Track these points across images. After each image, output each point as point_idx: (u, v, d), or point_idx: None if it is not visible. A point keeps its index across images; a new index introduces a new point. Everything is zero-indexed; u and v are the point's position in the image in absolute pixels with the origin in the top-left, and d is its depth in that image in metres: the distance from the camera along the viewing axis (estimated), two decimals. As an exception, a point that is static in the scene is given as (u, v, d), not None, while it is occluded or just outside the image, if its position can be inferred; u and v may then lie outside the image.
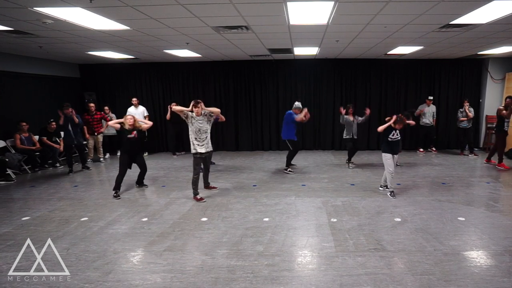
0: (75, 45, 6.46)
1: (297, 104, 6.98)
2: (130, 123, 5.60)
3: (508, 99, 7.03)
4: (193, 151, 5.25)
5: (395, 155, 5.31)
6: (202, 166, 5.64)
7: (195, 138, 5.22)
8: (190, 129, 5.23)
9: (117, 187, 5.66)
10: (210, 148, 5.40)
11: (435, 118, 8.99)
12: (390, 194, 5.40)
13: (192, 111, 5.20)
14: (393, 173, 5.33)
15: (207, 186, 5.96)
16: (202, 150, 5.25)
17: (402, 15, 4.56)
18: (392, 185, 5.41)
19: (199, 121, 5.20)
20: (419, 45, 7.02)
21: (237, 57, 8.76)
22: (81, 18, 4.48)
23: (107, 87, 9.88)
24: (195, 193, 5.43)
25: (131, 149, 5.68)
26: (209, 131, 5.34)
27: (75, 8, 4.01)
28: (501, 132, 7.13)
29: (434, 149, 9.41)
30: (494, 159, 7.55)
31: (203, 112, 5.22)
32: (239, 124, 9.89)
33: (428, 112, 8.86)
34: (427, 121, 8.88)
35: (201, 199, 5.39)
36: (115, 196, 5.58)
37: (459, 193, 5.55)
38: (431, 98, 8.86)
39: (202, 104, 5.21)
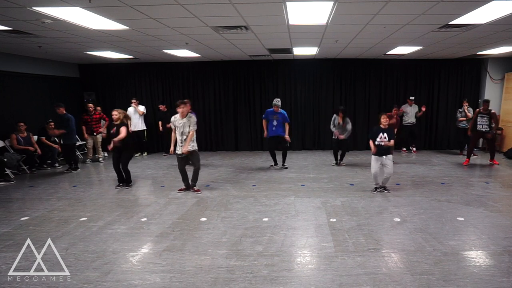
0: (74, 45, 6.45)
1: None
2: (114, 118, 5.77)
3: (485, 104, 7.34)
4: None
5: (382, 157, 5.33)
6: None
7: (179, 140, 5.56)
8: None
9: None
10: (192, 148, 5.56)
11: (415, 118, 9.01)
12: (372, 190, 5.64)
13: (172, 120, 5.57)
14: (375, 175, 5.47)
15: (191, 187, 5.86)
16: (178, 151, 5.56)
17: (402, 15, 4.56)
18: (375, 182, 5.58)
19: (180, 124, 5.47)
20: (418, 45, 7.03)
21: (237, 57, 8.75)
22: (80, 18, 4.48)
23: (106, 87, 9.88)
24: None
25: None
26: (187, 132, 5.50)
27: (74, 8, 4.00)
28: (473, 132, 7.58)
29: (414, 149, 9.33)
30: (496, 159, 7.65)
31: (188, 115, 5.49)
32: (239, 124, 9.89)
33: (411, 112, 8.90)
34: (410, 121, 8.92)
35: (180, 190, 5.84)
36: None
37: (458, 193, 5.55)
38: (412, 98, 8.89)
39: (187, 105, 5.48)
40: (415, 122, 8.94)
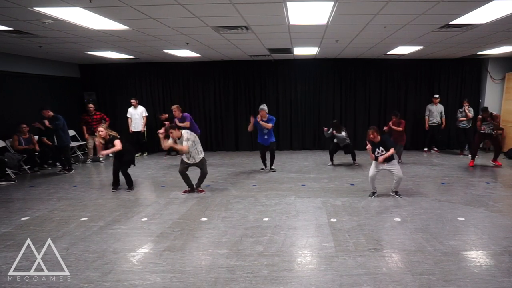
0: (75, 45, 6.46)
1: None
2: (102, 135, 5.75)
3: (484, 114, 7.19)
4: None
5: (382, 164, 5.18)
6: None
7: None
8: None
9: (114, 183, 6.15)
10: (195, 160, 5.60)
11: (443, 117, 8.92)
12: (369, 195, 5.44)
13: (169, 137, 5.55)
14: (372, 178, 5.32)
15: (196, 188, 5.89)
16: (185, 159, 5.65)
17: (402, 15, 4.56)
18: (371, 186, 5.42)
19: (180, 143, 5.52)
20: (418, 45, 7.02)
21: (237, 57, 8.76)
22: (81, 18, 4.48)
23: (107, 87, 9.87)
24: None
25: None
26: (192, 149, 5.52)
27: (74, 8, 4.01)
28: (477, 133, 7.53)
29: (436, 149, 9.36)
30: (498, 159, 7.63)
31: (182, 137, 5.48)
32: (239, 124, 9.88)
33: (436, 112, 8.84)
34: (435, 121, 8.86)
35: (184, 192, 5.81)
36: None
37: (458, 193, 5.55)
38: (437, 96, 8.82)
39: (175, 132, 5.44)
40: (439, 122, 8.89)
